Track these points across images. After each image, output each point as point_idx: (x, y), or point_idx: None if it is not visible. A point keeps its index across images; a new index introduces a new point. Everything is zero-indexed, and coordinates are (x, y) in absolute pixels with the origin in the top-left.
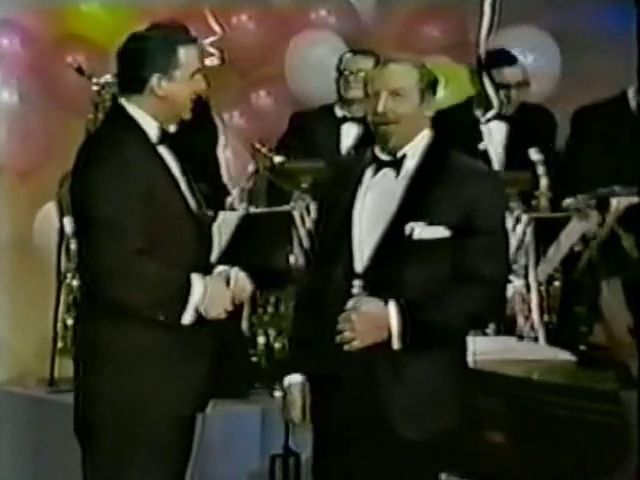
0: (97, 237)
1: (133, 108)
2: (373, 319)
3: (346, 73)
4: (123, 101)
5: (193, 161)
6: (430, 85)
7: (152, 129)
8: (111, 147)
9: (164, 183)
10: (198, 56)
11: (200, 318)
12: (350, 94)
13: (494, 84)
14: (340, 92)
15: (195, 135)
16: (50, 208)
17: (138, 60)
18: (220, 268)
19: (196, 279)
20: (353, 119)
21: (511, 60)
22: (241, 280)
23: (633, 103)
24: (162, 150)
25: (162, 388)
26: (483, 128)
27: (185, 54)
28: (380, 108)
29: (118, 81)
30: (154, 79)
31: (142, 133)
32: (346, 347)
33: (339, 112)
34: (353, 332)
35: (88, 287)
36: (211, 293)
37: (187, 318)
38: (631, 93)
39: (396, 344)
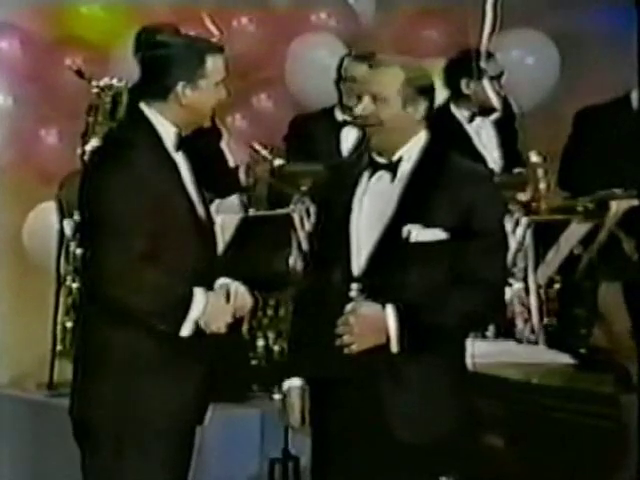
0: (101, 239)
1: (153, 113)
2: (371, 323)
3: (348, 80)
4: (143, 106)
5: (204, 167)
6: (420, 89)
7: (170, 135)
8: (124, 151)
9: (175, 190)
10: (224, 65)
11: (199, 331)
12: (353, 102)
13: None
14: (341, 98)
15: (203, 140)
16: (42, 209)
17: (164, 67)
18: (221, 281)
19: (199, 293)
20: (354, 122)
21: (488, 55)
22: (241, 295)
23: (636, 105)
24: (177, 157)
25: (160, 395)
26: (469, 128)
27: (212, 63)
28: (359, 111)
29: (139, 85)
30: (179, 87)
31: (158, 139)
32: (345, 351)
33: (339, 116)
34: (351, 336)
35: (89, 289)
36: (212, 308)
37: (186, 331)
38: (634, 95)
39: (394, 347)
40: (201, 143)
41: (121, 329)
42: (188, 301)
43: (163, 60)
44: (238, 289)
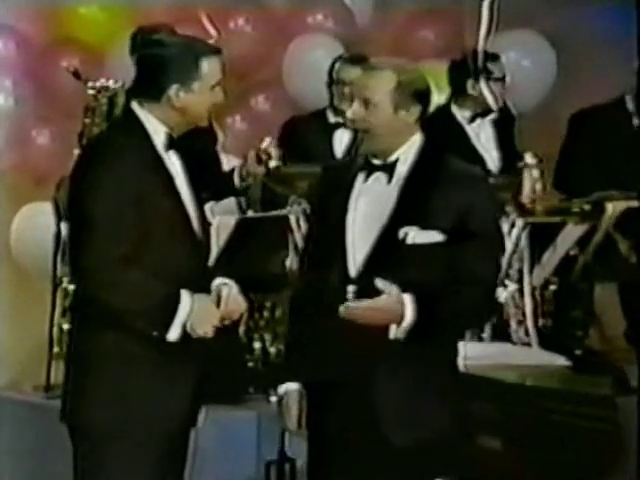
0: (84, 238)
1: (144, 114)
2: (386, 303)
3: (340, 84)
4: (135, 106)
5: (199, 169)
6: (414, 92)
7: (159, 135)
8: (112, 151)
9: (162, 191)
10: (220, 68)
11: (188, 335)
12: (344, 105)
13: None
14: (334, 101)
15: (198, 141)
16: (29, 210)
17: (158, 68)
18: (218, 281)
19: (185, 295)
20: (346, 125)
21: (494, 57)
22: (233, 299)
23: (631, 106)
24: (167, 157)
25: (152, 398)
26: (468, 129)
27: (207, 66)
28: (349, 115)
29: (134, 86)
30: (172, 90)
31: (148, 139)
32: (342, 314)
33: (332, 118)
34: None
35: (77, 290)
36: (198, 312)
37: (173, 334)
38: (629, 97)
39: (401, 333)
40: (196, 145)
41: (112, 332)
42: (174, 303)
43: (157, 60)
44: (231, 292)
